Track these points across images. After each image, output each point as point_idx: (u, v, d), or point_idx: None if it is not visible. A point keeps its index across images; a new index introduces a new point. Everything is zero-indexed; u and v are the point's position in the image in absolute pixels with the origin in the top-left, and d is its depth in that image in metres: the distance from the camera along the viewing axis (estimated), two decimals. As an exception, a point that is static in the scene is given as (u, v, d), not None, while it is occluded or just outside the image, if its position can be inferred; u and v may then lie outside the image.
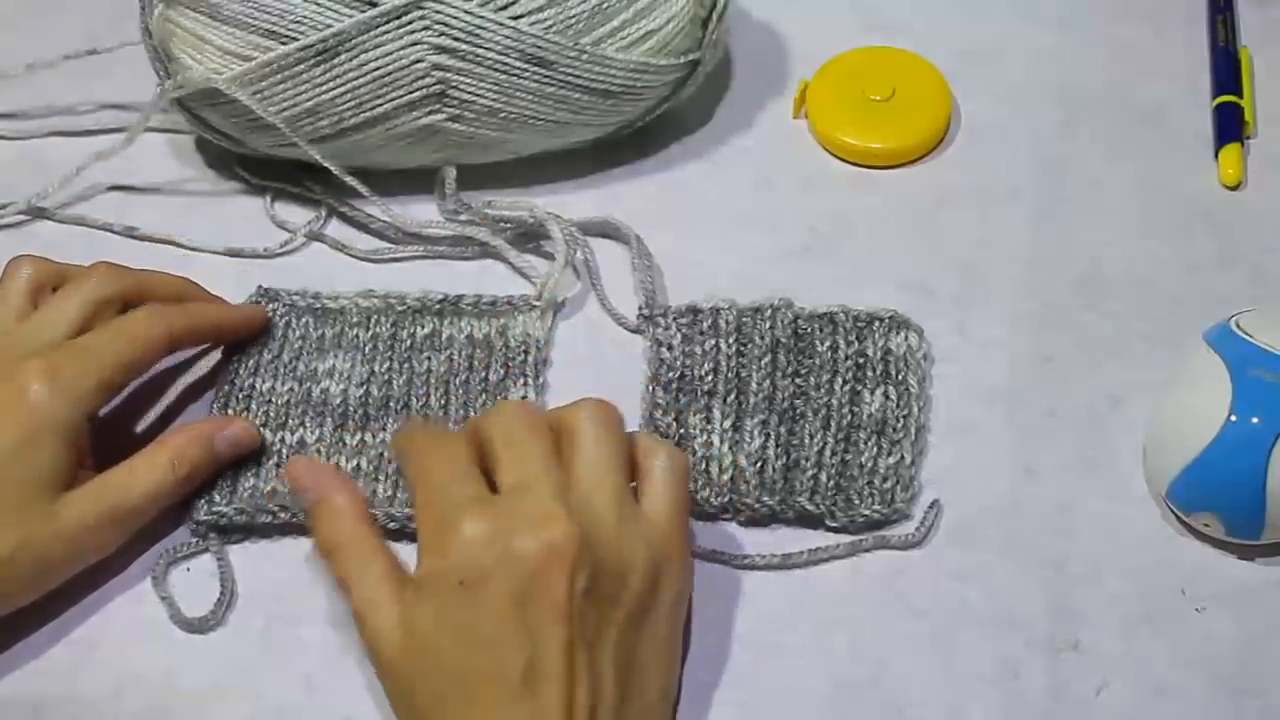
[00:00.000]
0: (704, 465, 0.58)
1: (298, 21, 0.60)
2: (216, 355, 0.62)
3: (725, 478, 0.58)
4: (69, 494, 0.53)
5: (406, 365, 0.61)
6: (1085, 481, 0.58)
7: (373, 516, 0.53)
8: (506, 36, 0.60)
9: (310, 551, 0.56)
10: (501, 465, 0.51)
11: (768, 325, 0.61)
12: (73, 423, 0.54)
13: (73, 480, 0.54)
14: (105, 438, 0.56)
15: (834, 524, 0.57)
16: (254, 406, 0.59)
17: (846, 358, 0.60)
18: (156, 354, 0.57)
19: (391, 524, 0.56)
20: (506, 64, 0.61)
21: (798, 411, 0.59)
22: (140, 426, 0.60)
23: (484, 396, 0.60)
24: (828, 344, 0.61)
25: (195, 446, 0.56)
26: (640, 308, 0.63)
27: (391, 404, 0.60)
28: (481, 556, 0.48)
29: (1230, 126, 0.68)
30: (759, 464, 0.58)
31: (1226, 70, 0.70)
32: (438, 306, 0.62)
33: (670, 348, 0.61)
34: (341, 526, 0.52)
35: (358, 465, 0.58)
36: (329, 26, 0.60)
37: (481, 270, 0.65)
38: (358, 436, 0.59)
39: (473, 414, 0.60)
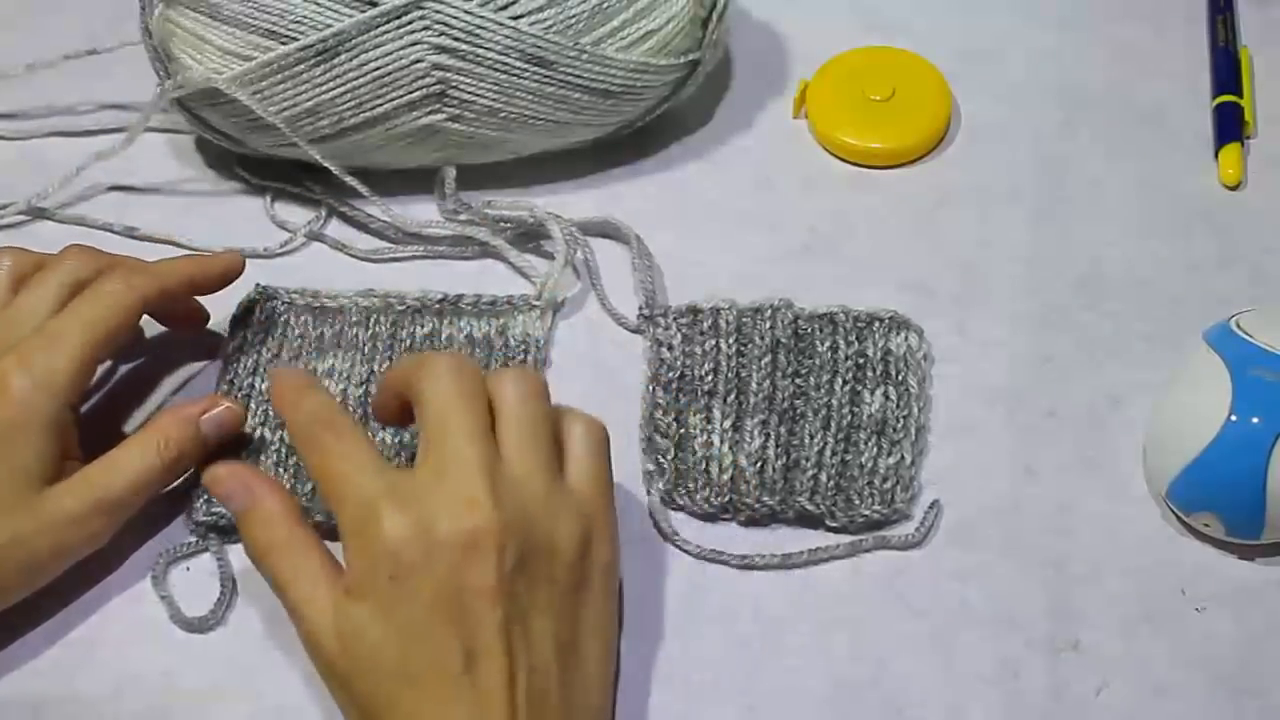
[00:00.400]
0: (704, 465, 0.58)
1: (298, 21, 0.60)
2: (216, 354, 0.62)
3: (725, 478, 0.58)
4: (54, 487, 0.53)
5: (406, 365, 0.61)
6: (1085, 481, 0.58)
7: (307, 513, 0.53)
8: (506, 36, 0.60)
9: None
10: (428, 438, 0.50)
11: (768, 325, 0.61)
12: (53, 414, 0.53)
13: (59, 473, 0.54)
14: (102, 438, 0.56)
15: (834, 524, 0.57)
16: (254, 406, 0.59)
17: (846, 358, 0.60)
18: (129, 323, 0.56)
19: None
20: (506, 64, 0.61)
21: (798, 411, 0.59)
22: (137, 427, 0.60)
23: (484, 396, 0.60)
24: (828, 344, 0.61)
25: (179, 428, 0.55)
26: (640, 308, 0.63)
27: (391, 404, 0.60)
28: (406, 552, 0.48)
29: (1230, 126, 0.68)
30: (759, 464, 0.58)
31: (1226, 70, 0.70)
32: (437, 306, 0.62)
33: (670, 348, 0.61)
34: (275, 530, 0.51)
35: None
36: (329, 26, 0.60)
37: (481, 270, 0.65)
38: (357, 436, 0.59)
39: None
